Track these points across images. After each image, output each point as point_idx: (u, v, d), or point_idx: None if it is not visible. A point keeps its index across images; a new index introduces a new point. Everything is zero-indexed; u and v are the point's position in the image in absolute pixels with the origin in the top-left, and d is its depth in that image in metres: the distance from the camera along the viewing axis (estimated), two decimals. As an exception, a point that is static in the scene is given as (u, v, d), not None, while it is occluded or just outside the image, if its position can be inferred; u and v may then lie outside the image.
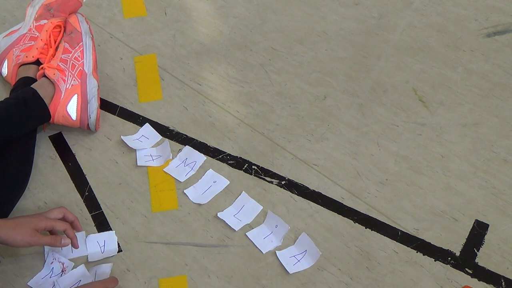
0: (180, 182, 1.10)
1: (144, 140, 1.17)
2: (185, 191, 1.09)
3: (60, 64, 1.16)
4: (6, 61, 1.23)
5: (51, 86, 1.14)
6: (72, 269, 0.97)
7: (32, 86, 1.13)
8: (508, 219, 1.05)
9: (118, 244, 1.02)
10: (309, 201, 1.08)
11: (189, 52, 1.34)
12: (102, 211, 1.07)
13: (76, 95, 1.14)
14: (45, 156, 1.15)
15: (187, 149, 1.15)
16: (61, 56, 1.17)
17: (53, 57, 1.19)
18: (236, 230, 1.04)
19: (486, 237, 1.02)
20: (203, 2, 1.46)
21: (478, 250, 1.01)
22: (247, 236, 1.03)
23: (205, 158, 1.14)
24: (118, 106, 1.23)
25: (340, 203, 1.07)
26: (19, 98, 1.08)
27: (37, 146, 1.15)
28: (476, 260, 0.99)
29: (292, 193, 1.09)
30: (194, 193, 1.09)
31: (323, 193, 1.09)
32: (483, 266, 0.99)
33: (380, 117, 1.21)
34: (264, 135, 1.18)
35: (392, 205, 1.07)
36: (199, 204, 1.07)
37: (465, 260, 1.00)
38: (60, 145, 1.17)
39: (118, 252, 1.01)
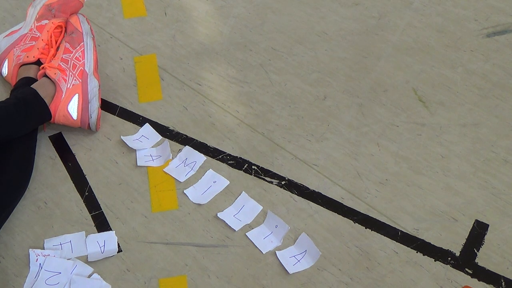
0: (180, 182, 1.10)
1: (144, 140, 1.17)
2: (185, 191, 1.09)
3: (61, 63, 1.16)
4: (6, 61, 1.23)
5: (52, 85, 1.14)
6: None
7: (32, 86, 1.13)
8: (508, 219, 1.05)
9: (118, 244, 1.02)
10: (309, 201, 1.08)
11: (189, 52, 1.34)
12: (102, 211, 1.07)
13: (77, 94, 1.14)
14: (45, 156, 1.15)
15: (187, 149, 1.15)
16: (62, 56, 1.18)
17: (54, 57, 1.19)
18: (236, 230, 1.04)
19: (486, 237, 1.02)
20: (203, 2, 1.46)
21: (478, 250, 1.01)
22: (247, 236, 1.03)
23: (205, 158, 1.14)
24: (118, 106, 1.23)
25: (340, 203, 1.07)
26: (19, 98, 1.09)
27: (37, 146, 1.15)
28: (476, 260, 0.99)
29: (292, 193, 1.09)
30: (194, 193, 1.09)
31: (323, 193, 1.09)
32: (483, 266, 0.99)
33: (380, 117, 1.21)
34: (264, 135, 1.18)
35: (392, 205, 1.07)
36: (199, 204, 1.07)
37: (465, 260, 1.00)
38: (60, 145, 1.17)
39: (118, 252, 1.01)
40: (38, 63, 1.20)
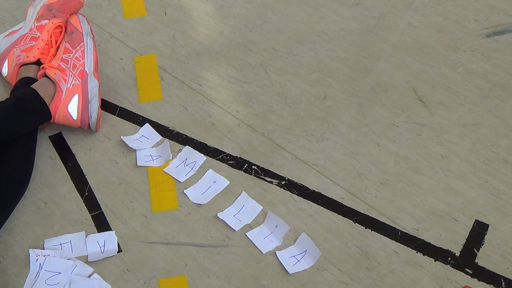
0: (180, 182, 1.10)
1: (144, 140, 1.17)
2: (185, 191, 1.09)
3: (61, 64, 1.16)
4: (6, 61, 1.23)
5: (52, 85, 1.14)
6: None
7: (32, 86, 1.13)
8: (508, 219, 1.05)
9: (118, 244, 1.02)
10: (309, 201, 1.08)
11: (189, 52, 1.34)
12: (102, 211, 1.07)
13: (77, 94, 1.14)
14: (45, 156, 1.15)
15: (187, 149, 1.15)
16: (62, 56, 1.18)
17: (54, 57, 1.19)
18: (236, 230, 1.04)
19: (486, 237, 1.02)
20: (203, 2, 1.46)
21: (478, 250, 1.01)
22: (247, 236, 1.03)
23: (205, 158, 1.14)
24: (118, 106, 1.23)
25: (340, 203, 1.07)
26: (19, 98, 1.09)
27: (37, 146, 1.15)
28: (476, 260, 0.99)
29: (292, 193, 1.09)
30: (194, 193, 1.09)
31: (323, 193, 1.09)
32: (483, 266, 0.99)
33: (380, 117, 1.21)
34: (264, 135, 1.18)
35: (392, 205, 1.07)
36: (199, 204, 1.07)
37: (465, 260, 1.00)
38: (60, 145, 1.17)
39: (118, 252, 1.01)
40: (38, 63, 1.20)
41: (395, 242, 1.02)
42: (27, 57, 1.19)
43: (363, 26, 1.39)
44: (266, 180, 1.11)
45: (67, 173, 1.13)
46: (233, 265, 1.00)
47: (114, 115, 1.22)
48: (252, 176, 1.11)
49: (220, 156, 1.15)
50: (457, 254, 1.00)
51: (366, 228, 1.04)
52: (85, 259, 1.00)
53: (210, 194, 1.09)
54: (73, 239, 1.02)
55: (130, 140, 1.17)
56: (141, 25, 1.40)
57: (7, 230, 1.04)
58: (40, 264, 0.98)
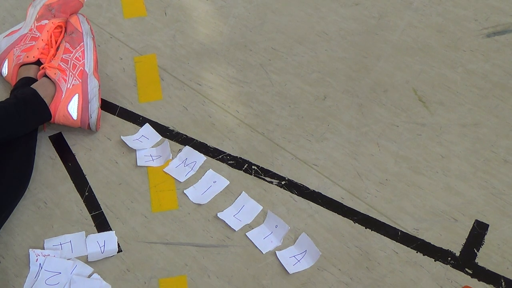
0: (180, 182, 1.10)
1: (144, 140, 1.17)
2: (185, 191, 1.09)
3: (61, 64, 1.16)
4: (6, 61, 1.23)
5: (52, 85, 1.14)
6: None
7: (32, 86, 1.13)
8: (508, 219, 1.05)
9: (118, 244, 1.02)
10: (309, 201, 1.08)
11: (189, 52, 1.34)
12: (102, 211, 1.07)
13: (77, 94, 1.14)
14: (45, 156, 1.15)
15: (187, 149, 1.15)
16: (62, 56, 1.18)
17: (54, 57, 1.19)
18: (236, 230, 1.04)
19: (486, 237, 1.02)
20: (203, 2, 1.46)
21: (478, 250, 1.01)
22: (247, 236, 1.03)
23: (205, 158, 1.14)
24: (118, 106, 1.23)
25: (340, 203, 1.07)
26: (19, 98, 1.09)
27: (37, 146, 1.15)
28: (476, 260, 0.99)
29: (292, 193, 1.09)
30: (194, 193, 1.09)
31: (323, 193, 1.09)
32: (483, 266, 0.99)
33: (380, 117, 1.21)
34: (264, 135, 1.18)
35: (392, 205, 1.07)
36: (199, 204, 1.07)
37: (465, 260, 1.00)
38: (60, 145, 1.17)
39: (118, 252, 1.01)
40: (38, 63, 1.20)
41: (395, 242, 1.02)
42: (27, 57, 1.19)
43: (363, 26, 1.39)
44: (266, 180, 1.11)
45: (67, 173, 1.13)
46: (233, 265, 1.00)
47: (114, 115, 1.22)
48: (252, 176, 1.12)
49: (220, 156, 1.15)
50: (457, 254, 1.00)
51: (366, 228, 1.04)
52: (85, 259, 1.00)
53: (210, 194, 1.09)
54: (73, 239, 1.02)
55: (130, 140, 1.17)
56: (141, 25, 1.40)
57: (7, 230, 1.04)
58: (40, 264, 0.98)
